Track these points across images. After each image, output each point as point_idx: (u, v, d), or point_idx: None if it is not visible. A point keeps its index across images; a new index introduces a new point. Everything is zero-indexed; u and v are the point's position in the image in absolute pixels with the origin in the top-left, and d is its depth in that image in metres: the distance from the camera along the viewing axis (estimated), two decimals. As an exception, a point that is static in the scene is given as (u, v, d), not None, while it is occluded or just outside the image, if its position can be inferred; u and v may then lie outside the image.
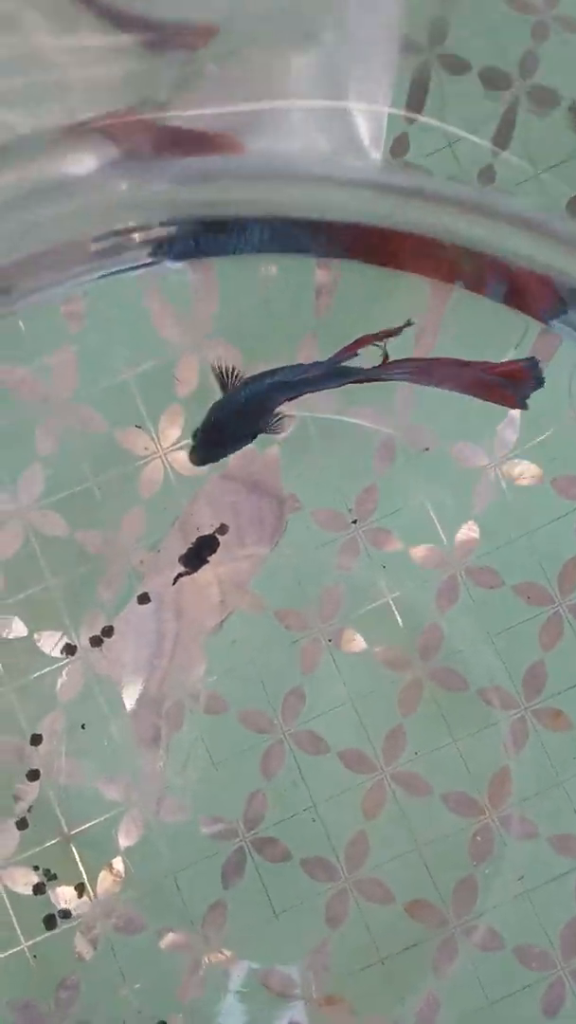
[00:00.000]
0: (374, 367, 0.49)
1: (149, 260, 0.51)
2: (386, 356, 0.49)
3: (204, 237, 0.52)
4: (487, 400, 0.50)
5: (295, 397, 0.50)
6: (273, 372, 0.49)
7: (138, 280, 0.53)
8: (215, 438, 0.50)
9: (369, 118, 0.48)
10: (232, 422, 0.49)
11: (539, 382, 0.49)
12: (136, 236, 0.50)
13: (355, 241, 0.50)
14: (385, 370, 0.49)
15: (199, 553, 0.53)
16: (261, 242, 0.52)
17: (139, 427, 0.53)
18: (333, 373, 0.49)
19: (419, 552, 0.53)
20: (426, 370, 0.50)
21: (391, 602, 0.53)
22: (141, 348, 0.54)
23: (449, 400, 0.51)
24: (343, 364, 0.49)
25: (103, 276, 0.52)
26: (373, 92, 0.47)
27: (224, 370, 0.49)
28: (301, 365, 0.50)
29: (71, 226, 0.47)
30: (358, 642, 0.53)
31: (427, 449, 0.52)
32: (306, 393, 0.50)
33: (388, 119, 0.50)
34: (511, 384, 0.49)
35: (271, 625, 0.53)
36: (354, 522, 0.53)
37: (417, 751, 0.52)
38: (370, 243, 0.50)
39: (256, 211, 0.47)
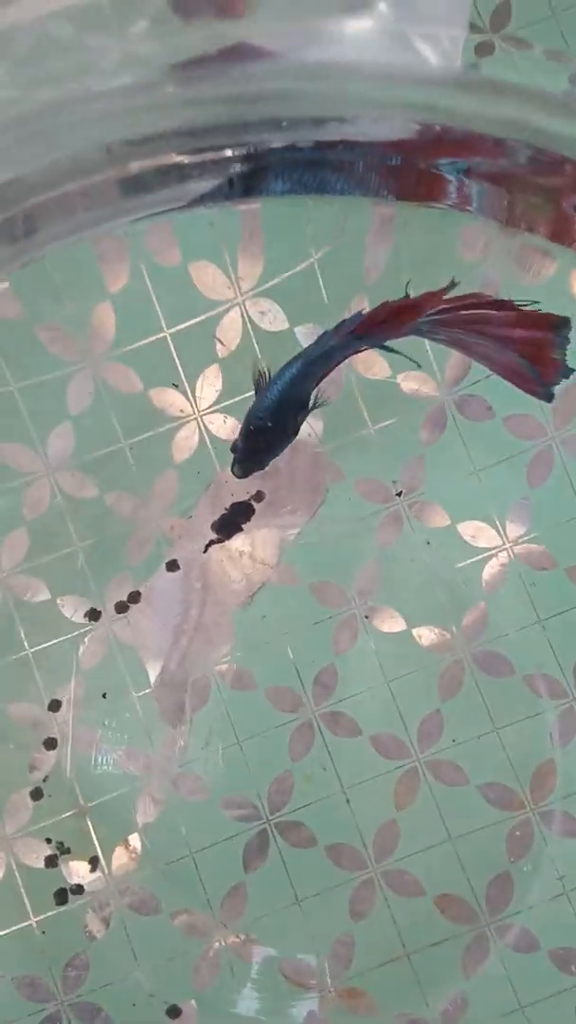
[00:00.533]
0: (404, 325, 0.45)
1: (192, 199, 0.48)
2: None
3: (248, 172, 0.49)
4: (516, 386, 0.46)
5: (327, 372, 0.46)
6: (295, 358, 0.46)
7: (178, 229, 0.51)
8: (256, 445, 0.47)
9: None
10: (271, 424, 0.46)
11: (567, 371, 0.45)
12: (178, 165, 0.47)
13: (413, 182, 0.47)
14: (415, 328, 0.45)
15: (233, 520, 0.51)
16: (307, 180, 0.49)
17: (176, 386, 0.51)
18: (357, 338, 0.46)
19: (467, 529, 0.50)
20: (462, 341, 0.46)
21: (435, 580, 0.50)
22: (181, 305, 0.51)
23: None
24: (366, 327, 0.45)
25: (137, 220, 0.49)
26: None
27: (262, 373, 0.46)
28: (324, 333, 0.46)
29: (97, 136, 0.43)
30: (397, 621, 0.50)
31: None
32: (338, 364, 0.46)
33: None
34: (539, 373, 0.45)
35: (305, 599, 0.50)
36: (399, 494, 0.50)
37: (455, 739, 0.49)
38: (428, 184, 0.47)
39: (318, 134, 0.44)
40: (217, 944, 0.48)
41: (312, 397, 0.46)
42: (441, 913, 0.48)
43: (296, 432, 0.47)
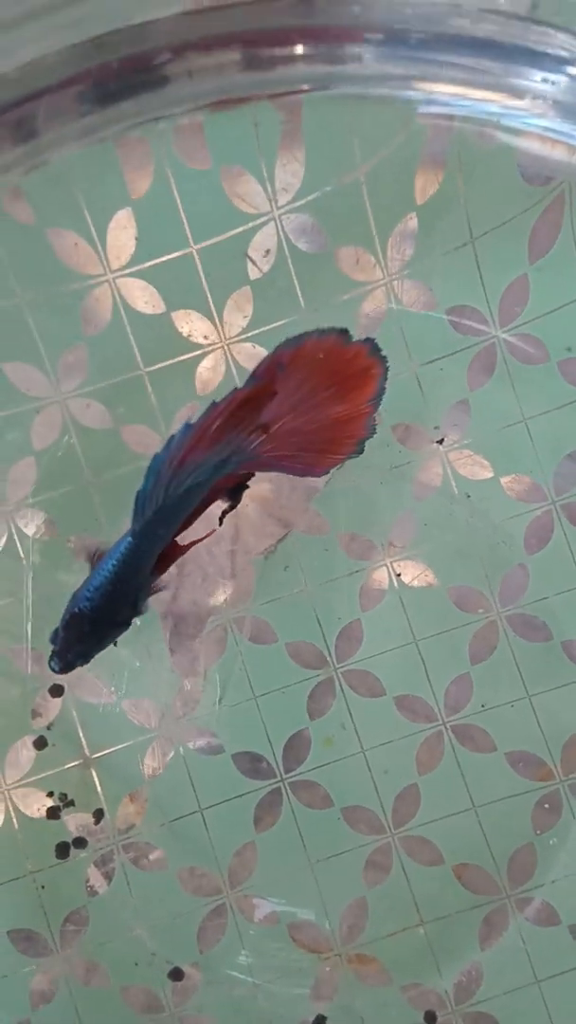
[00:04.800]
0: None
1: (221, 97, 0.42)
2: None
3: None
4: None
5: (173, 535, 0.39)
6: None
7: (210, 129, 0.45)
8: (79, 634, 0.40)
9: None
10: (100, 607, 0.40)
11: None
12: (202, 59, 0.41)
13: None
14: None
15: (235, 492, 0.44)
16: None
17: (200, 311, 0.46)
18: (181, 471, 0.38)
19: (510, 483, 0.46)
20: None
21: (472, 537, 0.47)
22: (209, 218, 0.47)
23: (568, 310, 0.44)
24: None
25: (160, 118, 0.44)
26: None
27: (97, 552, 0.40)
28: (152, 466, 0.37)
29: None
30: (429, 577, 0.47)
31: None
32: (182, 525, 0.39)
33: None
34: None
35: (332, 550, 0.47)
36: (439, 442, 0.46)
37: (484, 703, 0.46)
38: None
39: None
40: (224, 904, 0.47)
41: (148, 575, 0.40)
42: (460, 883, 0.46)
43: (129, 622, 0.41)
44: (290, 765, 0.47)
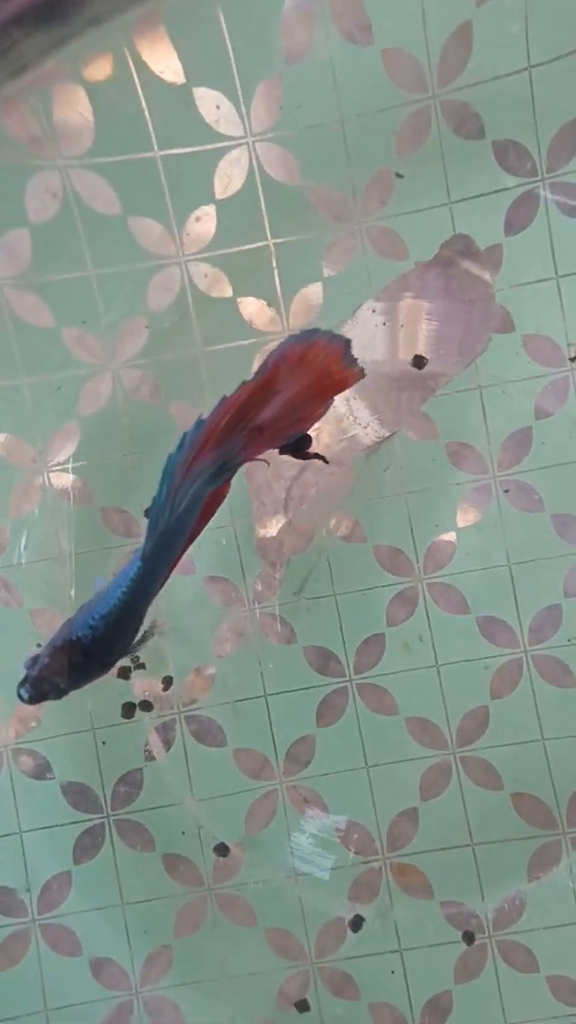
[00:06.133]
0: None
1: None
2: None
3: None
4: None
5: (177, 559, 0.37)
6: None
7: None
8: (67, 663, 0.37)
9: None
10: (101, 638, 0.37)
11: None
12: None
13: None
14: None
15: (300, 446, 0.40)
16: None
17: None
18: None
19: None
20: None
21: (591, 463, 0.45)
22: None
23: None
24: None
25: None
26: None
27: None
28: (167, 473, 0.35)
29: None
30: (536, 502, 0.44)
31: None
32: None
33: None
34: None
35: (438, 459, 0.45)
36: (573, 359, 0.44)
37: (571, 638, 0.45)
38: None
39: None
40: (275, 791, 0.47)
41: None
42: (516, 811, 0.45)
43: (114, 663, 0.38)
44: (361, 667, 0.46)
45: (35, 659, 0.37)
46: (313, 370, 0.36)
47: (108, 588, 0.37)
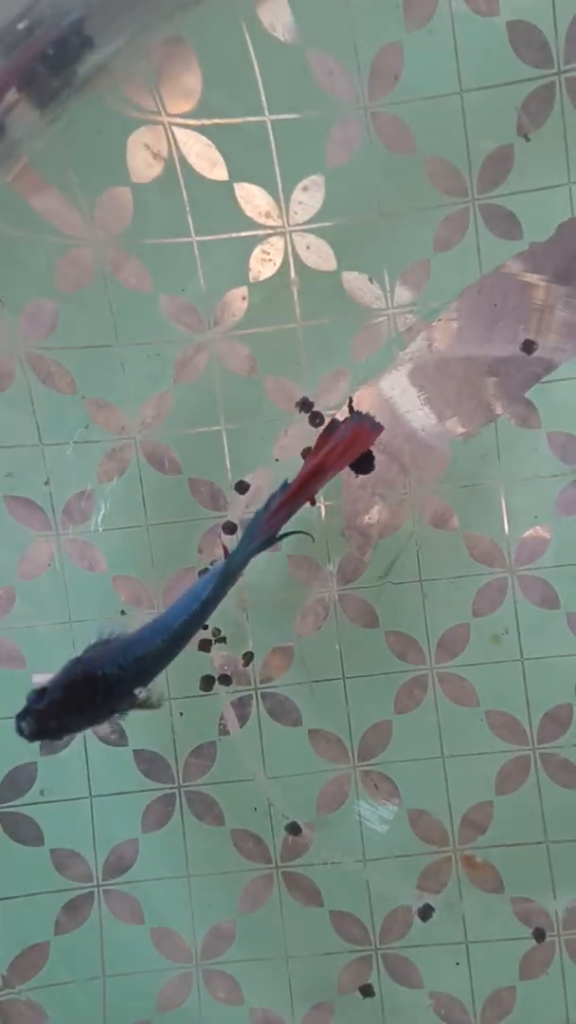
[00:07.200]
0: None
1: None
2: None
3: None
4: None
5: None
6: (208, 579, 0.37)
7: None
8: (76, 700, 0.35)
9: None
10: (126, 677, 0.35)
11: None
12: None
13: None
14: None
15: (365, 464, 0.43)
16: None
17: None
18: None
19: None
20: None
21: None
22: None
23: None
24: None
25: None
26: None
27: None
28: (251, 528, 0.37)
29: None
30: None
31: None
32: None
33: None
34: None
35: (540, 449, 0.44)
36: None
37: None
38: None
39: None
40: (348, 775, 0.46)
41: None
42: (595, 812, 0.45)
43: (117, 710, 0.36)
44: (443, 657, 0.45)
45: (42, 692, 0.35)
46: (355, 454, 0.41)
47: (145, 631, 0.36)
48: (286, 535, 0.39)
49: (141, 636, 0.36)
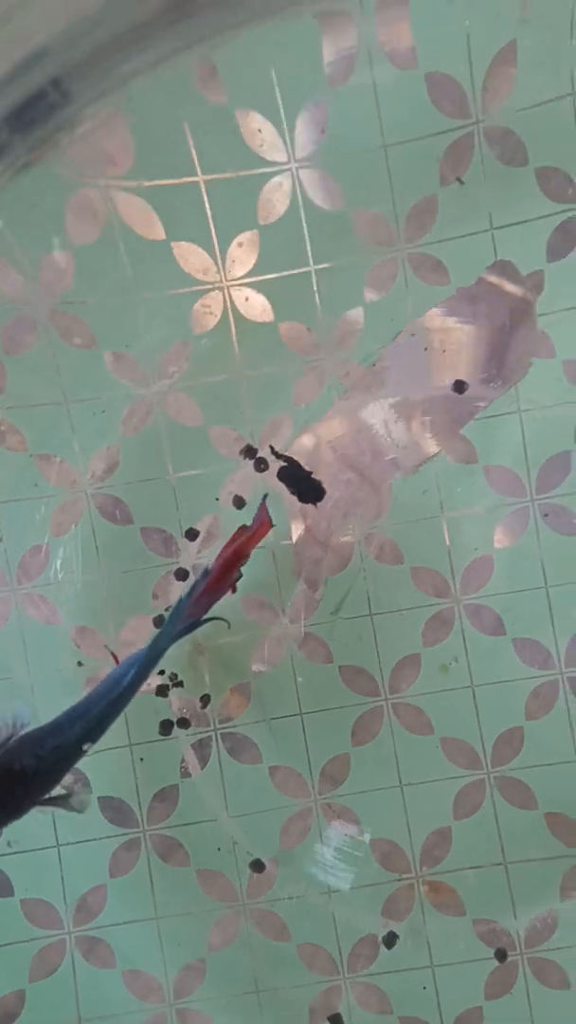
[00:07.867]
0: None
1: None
2: None
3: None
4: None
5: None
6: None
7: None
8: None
9: None
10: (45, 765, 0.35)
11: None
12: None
13: None
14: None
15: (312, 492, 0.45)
16: None
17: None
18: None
19: None
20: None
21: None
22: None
23: None
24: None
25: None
26: None
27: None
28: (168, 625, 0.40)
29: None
30: (573, 523, 0.45)
31: None
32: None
33: None
34: None
35: (477, 483, 0.46)
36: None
37: (608, 661, 0.46)
38: None
39: None
40: (310, 809, 0.47)
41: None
42: (550, 830, 0.45)
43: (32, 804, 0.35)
44: (396, 686, 0.47)
45: None
46: (260, 537, 0.43)
47: (63, 719, 0.35)
48: (208, 620, 0.40)
49: (58, 724, 0.36)
